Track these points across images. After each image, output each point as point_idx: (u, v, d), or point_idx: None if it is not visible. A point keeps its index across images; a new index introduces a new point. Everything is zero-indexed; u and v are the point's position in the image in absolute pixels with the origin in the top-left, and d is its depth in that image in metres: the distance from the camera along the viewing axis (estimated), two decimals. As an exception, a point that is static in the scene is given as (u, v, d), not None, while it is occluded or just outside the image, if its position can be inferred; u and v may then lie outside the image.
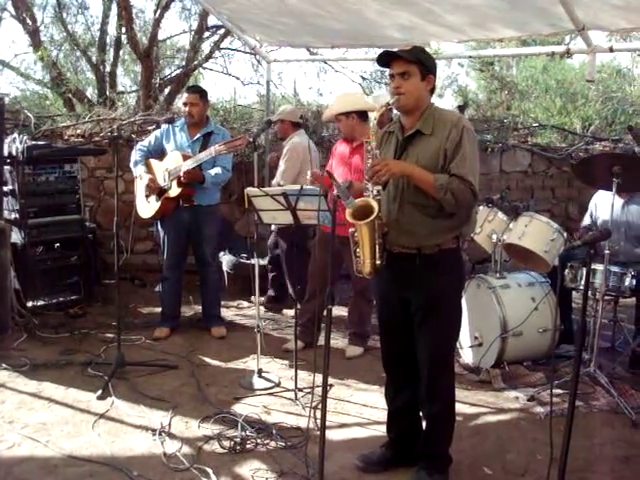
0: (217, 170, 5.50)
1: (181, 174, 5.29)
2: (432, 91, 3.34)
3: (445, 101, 14.51)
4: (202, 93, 5.67)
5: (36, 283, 5.95)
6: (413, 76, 3.20)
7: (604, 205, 5.32)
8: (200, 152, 5.36)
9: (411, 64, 3.19)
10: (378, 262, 3.27)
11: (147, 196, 5.61)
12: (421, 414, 3.61)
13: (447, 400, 3.49)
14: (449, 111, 3.49)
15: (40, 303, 6.02)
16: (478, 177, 3.22)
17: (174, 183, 5.40)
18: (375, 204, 3.18)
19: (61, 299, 6.21)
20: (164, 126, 5.71)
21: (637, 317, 5.07)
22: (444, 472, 3.48)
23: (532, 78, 13.62)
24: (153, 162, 5.64)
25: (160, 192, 5.51)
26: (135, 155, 5.66)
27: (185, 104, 5.60)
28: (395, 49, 3.30)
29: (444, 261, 3.29)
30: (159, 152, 5.68)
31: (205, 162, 5.34)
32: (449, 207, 3.16)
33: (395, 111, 3.44)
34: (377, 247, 3.25)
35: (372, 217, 3.15)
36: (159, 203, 5.53)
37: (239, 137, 5.24)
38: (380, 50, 6.62)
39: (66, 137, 7.64)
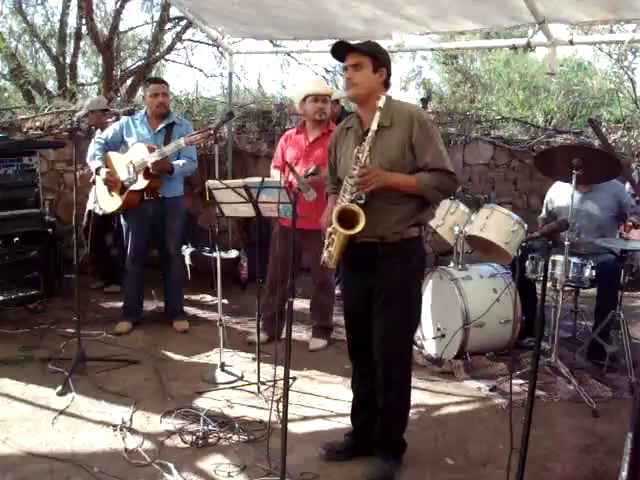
0: (184, 160, 5.46)
1: (149, 165, 5.22)
2: (386, 84, 3.40)
3: (409, 94, 14.58)
4: (168, 84, 5.64)
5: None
6: (365, 68, 3.29)
7: (562, 197, 5.38)
8: (165, 144, 5.32)
9: (363, 56, 3.28)
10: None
11: (109, 190, 5.54)
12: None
13: (401, 388, 3.51)
14: (406, 103, 3.56)
15: (-1, 298, 5.92)
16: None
17: (140, 176, 5.33)
18: (363, 217, 3.16)
19: (20, 294, 6.08)
20: (123, 119, 5.65)
21: (597, 307, 5.12)
22: (398, 458, 3.55)
23: (495, 71, 13.74)
24: (113, 155, 5.55)
25: (123, 186, 5.44)
26: (93, 148, 5.57)
27: (156, 95, 5.49)
28: (355, 42, 3.37)
29: (406, 249, 3.35)
30: (118, 145, 5.60)
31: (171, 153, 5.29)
32: (436, 201, 3.51)
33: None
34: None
35: (357, 229, 3.16)
36: (123, 196, 5.45)
37: (210, 126, 5.21)
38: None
39: (25, 129, 7.53)
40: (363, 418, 3.69)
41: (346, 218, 3.20)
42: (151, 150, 5.29)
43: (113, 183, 5.45)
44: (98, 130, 6.00)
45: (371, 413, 3.65)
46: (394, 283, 3.33)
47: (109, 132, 5.64)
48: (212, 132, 4.93)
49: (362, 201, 3.22)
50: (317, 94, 5.11)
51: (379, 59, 3.32)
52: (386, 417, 3.54)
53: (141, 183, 5.35)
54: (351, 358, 3.71)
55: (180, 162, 5.44)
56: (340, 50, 3.35)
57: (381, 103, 3.16)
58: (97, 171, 5.52)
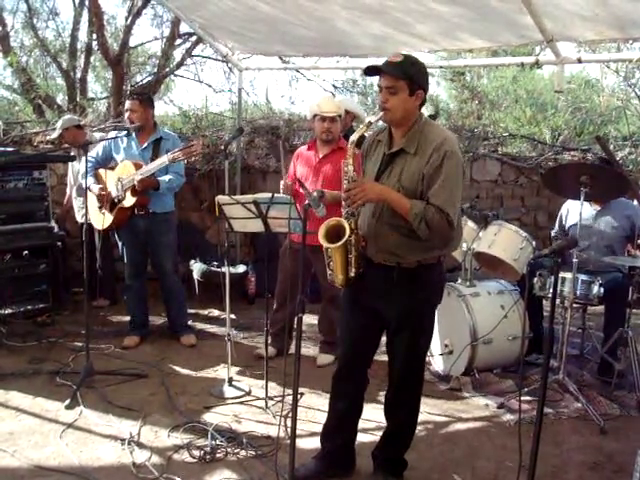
0: (170, 176, 5.43)
1: (135, 184, 5.22)
2: (422, 104, 3.20)
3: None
4: (142, 98, 5.54)
5: (3, 291, 5.87)
6: (401, 92, 3.07)
7: (576, 213, 5.38)
8: (152, 159, 5.31)
9: (399, 80, 3.06)
10: (352, 274, 3.24)
11: (100, 207, 5.56)
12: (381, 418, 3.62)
13: (412, 409, 3.51)
14: (438, 129, 3.24)
15: (7, 311, 5.93)
16: (459, 204, 3.14)
17: (128, 193, 5.34)
18: (347, 226, 3.14)
19: (29, 307, 6.10)
20: (112, 135, 5.63)
21: (605, 325, 5.12)
22: (400, 475, 3.54)
23: (502, 88, 13.74)
24: (103, 172, 5.57)
25: (112, 203, 5.46)
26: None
27: (126, 110, 5.52)
28: (385, 58, 3.18)
29: (423, 275, 3.24)
30: (108, 162, 5.62)
31: (157, 170, 5.27)
32: (423, 236, 3.05)
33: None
34: (353, 260, 3.22)
35: (341, 242, 3.13)
36: (113, 214, 5.47)
37: (192, 142, 5.16)
38: (352, 59, 6.62)
39: (35, 143, 7.58)
40: (335, 442, 3.63)
41: (336, 233, 3.17)
42: (138, 167, 5.28)
43: (106, 199, 5.47)
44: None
45: (343, 438, 3.62)
46: (408, 310, 3.25)
47: (99, 149, 5.63)
48: (196, 149, 4.98)
49: (354, 218, 3.20)
50: (324, 114, 5.09)
51: (416, 81, 3.09)
52: (394, 435, 3.54)
53: (129, 200, 5.36)
54: (336, 377, 3.61)
55: (166, 178, 5.40)
56: (373, 70, 3.16)
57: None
58: (89, 188, 5.45)
